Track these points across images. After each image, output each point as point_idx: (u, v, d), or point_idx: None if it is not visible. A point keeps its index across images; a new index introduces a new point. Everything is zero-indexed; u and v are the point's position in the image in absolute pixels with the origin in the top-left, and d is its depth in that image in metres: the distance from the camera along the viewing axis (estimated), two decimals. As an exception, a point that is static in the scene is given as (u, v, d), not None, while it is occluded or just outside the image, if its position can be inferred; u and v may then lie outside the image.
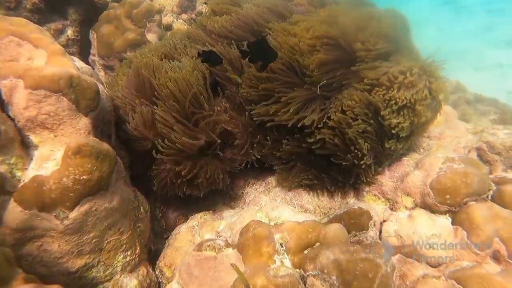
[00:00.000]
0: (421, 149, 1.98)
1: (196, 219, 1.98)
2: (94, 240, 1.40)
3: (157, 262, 1.83)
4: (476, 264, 1.36)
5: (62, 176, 1.23)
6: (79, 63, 1.58)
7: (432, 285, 1.32)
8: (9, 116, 1.28)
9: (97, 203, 1.34)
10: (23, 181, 1.26)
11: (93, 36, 3.48)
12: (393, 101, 1.57)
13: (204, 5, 3.68)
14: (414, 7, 13.75)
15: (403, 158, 1.82)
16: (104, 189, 1.35)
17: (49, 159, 1.32)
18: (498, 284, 1.19)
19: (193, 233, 1.91)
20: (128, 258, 1.58)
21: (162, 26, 3.44)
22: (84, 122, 1.38)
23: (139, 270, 1.63)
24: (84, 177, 1.26)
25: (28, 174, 1.28)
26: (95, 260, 1.45)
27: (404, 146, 1.74)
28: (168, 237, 2.10)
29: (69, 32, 3.61)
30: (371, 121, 1.64)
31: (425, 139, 2.03)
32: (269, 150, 1.87)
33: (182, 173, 1.76)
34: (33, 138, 1.33)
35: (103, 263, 1.48)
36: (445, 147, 1.95)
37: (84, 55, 3.65)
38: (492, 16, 11.71)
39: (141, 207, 1.75)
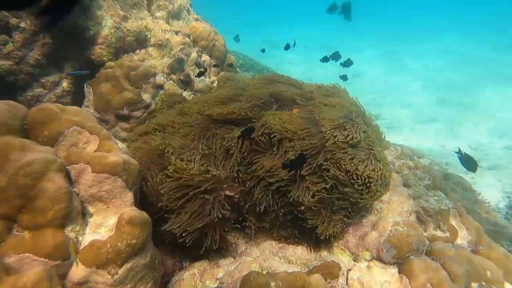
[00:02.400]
0: (375, 211, 2.57)
1: (196, 267, 2.36)
2: (129, 290, 1.75)
3: (165, 305, 2.17)
4: (415, 304, 1.90)
5: (117, 241, 1.61)
6: (119, 144, 1.97)
7: (385, 321, 1.83)
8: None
9: (138, 260, 1.71)
10: (83, 244, 1.60)
11: (88, 90, 3.80)
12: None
13: (193, 67, 4.20)
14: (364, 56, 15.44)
15: (362, 220, 2.39)
16: (143, 250, 1.73)
17: (102, 226, 1.68)
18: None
19: (195, 280, 2.28)
20: (148, 304, 1.92)
21: (155, 86, 3.87)
22: (129, 196, 1.77)
23: (155, 314, 1.97)
24: (134, 241, 1.64)
25: (85, 238, 1.63)
26: (126, 306, 1.78)
27: (362, 212, 2.31)
28: (165, 282, 2.44)
29: (64, 84, 3.90)
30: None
31: (378, 203, 2.62)
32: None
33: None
34: (90, 208, 1.69)
35: (131, 309, 1.81)
36: (393, 210, 2.55)
37: (75, 105, 3.93)
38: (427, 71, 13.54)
39: (156, 260, 2.11)
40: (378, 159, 2.24)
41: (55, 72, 3.85)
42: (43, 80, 3.72)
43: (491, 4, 25.37)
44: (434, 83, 12.62)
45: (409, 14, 25.77)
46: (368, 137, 2.35)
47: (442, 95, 11.27)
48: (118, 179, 1.69)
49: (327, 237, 2.23)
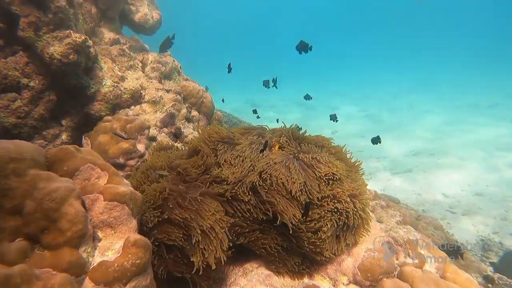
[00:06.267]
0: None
1: (189, 299, 2.52)
2: (130, 311, 1.92)
3: (160, 335, 2.29)
4: (387, 318, 2.12)
5: (124, 261, 1.83)
6: (125, 180, 2.25)
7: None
8: (87, 219, 1.89)
9: (140, 281, 1.91)
10: (92, 264, 1.82)
11: (86, 141, 4.11)
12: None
13: (183, 121, 4.60)
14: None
15: (339, 249, 2.65)
16: (144, 271, 1.94)
17: (109, 249, 1.91)
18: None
19: (188, 310, 2.43)
20: (145, 328, 2.06)
21: (149, 138, 4.22)
22: (134, 223, 2.02)
23: None
24: (138, 261, 1.86)
25: (95, 259, 1.84)
26: (126, 328, 1.93)
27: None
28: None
29: (63, 136, 4.22)
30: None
31: (353, 235, 2.90)
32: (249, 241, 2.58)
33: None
34: (99, 233, 1.92)
35: (131, 331, 1.96)
36: (366, 240, 2.83)
37: (72, 156, 4.20)
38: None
39: (153, 287, 2.29)
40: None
41: (55, 125, 4.18)
42: (44, 133, 4.04)
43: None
44: (407, 136, 13.50)
45: (381, 76, 27.99)
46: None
47: (415, 148, 12.05)
48: (125, 207, 1.96)
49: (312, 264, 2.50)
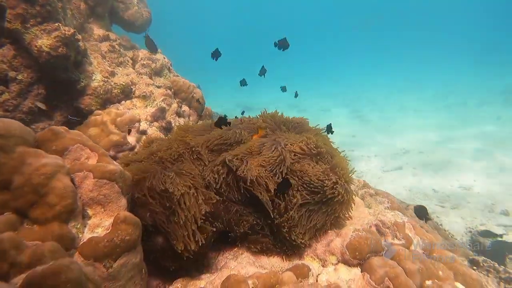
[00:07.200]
0: (339, 225, 2.88)
1: (180, 282, 2.53)
2: (120, 287, 1.93)
3: (151, 316, 2.30)
4: (375, 293, 2.16)
5: (113, 236, 1.84)
6: (115, 162, 2.27)
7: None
8: (76, 196, 1.90)
9: (129, 258, 1.93)
10: (82, 240, 1.83)
11: (76, 135, 4.11)
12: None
13: (174, 116, 4.62)
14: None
15: (328, 231, 2.69)
16: (134, 248, 1.96)
17: (99, 226, 1.92)
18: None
19: (179, 293, 2.44)
20: (136, 307, 2.07)
21: (139, 131, 4.23)
22: (123, 201, 2.04)
23: (143, 318, 2.11)
24: (127, 237, 1.88)
25: (84, 236, 1.86)
26: (116, 305, 1.94)
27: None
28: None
29: (53, 131, 4.20)
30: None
31: (341, 219, 2.95)
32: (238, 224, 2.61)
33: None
34: (89, 211, 1.94)
35: (121, 309, 1.97)
36: (354, 223, 2.88)
37: (62, 150, 4.19)
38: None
39: (143, 269, 2.30)
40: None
41: (45, 119, 4.17)
42: (33, 127, 4.01)
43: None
44: (397, 136, 13.68)
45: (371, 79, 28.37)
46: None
47: (406, 146, 12.21)
48: (115, 185, 1.98)
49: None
